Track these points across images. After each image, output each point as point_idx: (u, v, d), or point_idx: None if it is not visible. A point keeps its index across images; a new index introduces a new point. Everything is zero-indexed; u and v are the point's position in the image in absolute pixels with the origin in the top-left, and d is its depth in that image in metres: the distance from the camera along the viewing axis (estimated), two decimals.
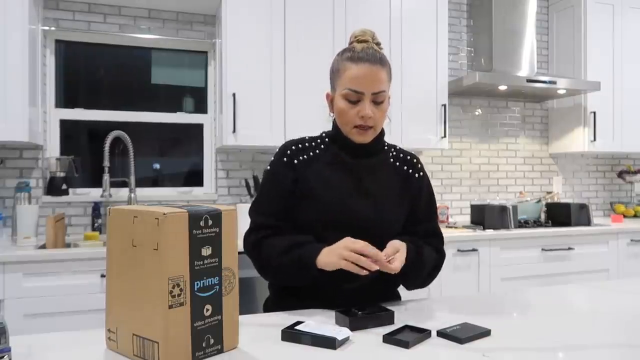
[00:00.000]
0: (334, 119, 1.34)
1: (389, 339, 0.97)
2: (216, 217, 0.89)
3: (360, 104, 1.24)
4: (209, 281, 0.88)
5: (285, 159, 1.31)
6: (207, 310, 0.87)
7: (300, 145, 1.34)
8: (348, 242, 1.16)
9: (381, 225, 1.29)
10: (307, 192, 1.29)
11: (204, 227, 0.87)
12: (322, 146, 1.35)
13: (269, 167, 1.34)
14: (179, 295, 0.83)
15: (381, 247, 1.29)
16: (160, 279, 0.81)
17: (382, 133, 1.35)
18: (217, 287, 0.89)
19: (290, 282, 1.27)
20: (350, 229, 1.26)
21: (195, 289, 0.86)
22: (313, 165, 1.31)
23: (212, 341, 0.88)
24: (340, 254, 1.14)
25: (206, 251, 0.87)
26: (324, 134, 1.38)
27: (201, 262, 0.86)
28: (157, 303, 0.82)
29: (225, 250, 0.91)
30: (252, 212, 1.34)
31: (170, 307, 0.82)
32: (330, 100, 1.33)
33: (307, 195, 1.29)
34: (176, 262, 0.83)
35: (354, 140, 1.30)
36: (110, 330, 0.91)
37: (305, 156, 1.32)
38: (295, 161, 1.31)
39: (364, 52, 1.24)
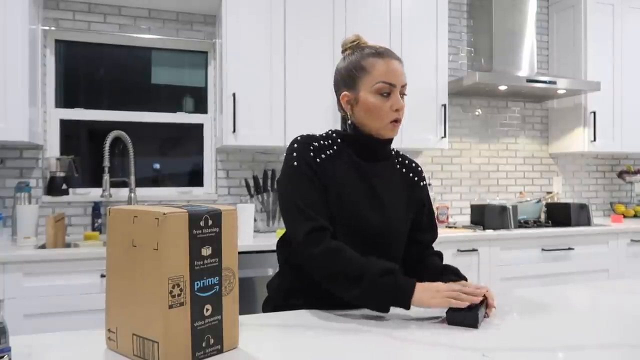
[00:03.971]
0: (351, 120, 1.30)
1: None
2: (216, 217, 0.88)
3: (392, 97, 1.25)
4: (209, 281, 0.87)
5: (312, 154, 1.25)
6: (207, 310, 0.87)
7: (316, 143, 1.28)
8: (445, 285, 1.12)
9: (389, 233, 1.29)
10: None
11: (204, 227, 0.87)
12: (335, 147, 1.30)
13: (296, 164, 1.24)
14: (178, 295, 0.83)
15: (388, 253, 1.28)
16: (160, 279, 0.81)
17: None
18: (217, 287, 0.89)
19: (363, 303, 1.16)
20: (359, 234, 1.25)
21: (195, 289, 0.85)
22: (332, 164, 1.27)
23: (212, 341, 0.88)
24: (444, 294, 1.09)
25: (206, 251, 0.87)
26: (333, 134, 1.33)
27: (201, 262, 0.86)
28: (157, 303, 0.82)
29: (225, 250, 0.90)
30: (306, 213, 1.20)
31: (170, 307, 0.81)
32: (347, 101, 1.29)
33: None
34: (176, 262, 0.82)
35: (386, 136, 1.28)
36: (110, 330, 0.91)
37: (322, 155, 1.27)
38: (318, 160, 1.25)
39: (384, 48, 1.28)
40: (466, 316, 1.05)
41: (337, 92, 1.33)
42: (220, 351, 0.89)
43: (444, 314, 1.09)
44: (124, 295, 0.89)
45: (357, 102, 1.27)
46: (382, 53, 1.26)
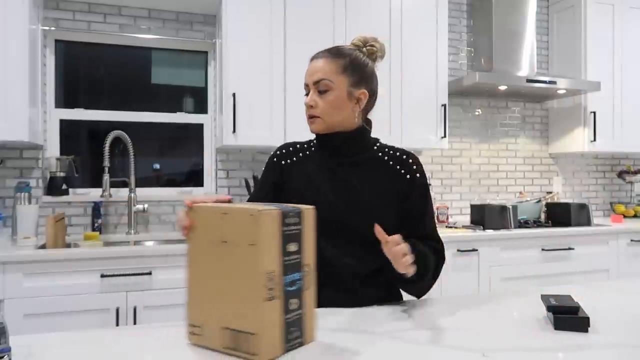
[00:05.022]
0: None
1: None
2: (300, 215, 0.93)
3: (308, 95, 1.33)
4: (294, 276, 0.92)
5: (275, 159, 1.39)
6: (293, 304, 0.91)
7: (291, 148, 1.40)
8: None
9: (364, 222, 1.26)
10: (293, 194, 1.32)
11: (290, 224, 0.91)
12: (313, 149, 1.38)
13: (263, 169, 1.44)
14: (271, 289, 0.86)
15: (355, 238, 1.28)
16: (256, 273, 0.85)
17: (360, 131, 1.33)
18: (300, 282, 0.93)
19: None
20: (332, 227, 1.27)
21: (284, 284, 0.89)
22: (299, 166, 1.35)
23: (296, 334, 0.92)
24: None
25: (292, 247, 0.91)
26: (314, 138, 1.42)
27: (289, 258, 0.90)
28: (253, 297, 0.85)
29: (306, 247, 0.94)
30: None
31: (266, 300, 0.85)
32: None
33: (293, 197, 1.32)
34: (270, 258, 0.86)
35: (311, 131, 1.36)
36: (194, 325, 0.94)
37: (294, 158, 1.38)
38: (283, 162, 1.37)
39: (323, 50, 1.35)
40: (577, 322, 1.03)
41: None
42: (302, 344, 0.94)
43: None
44: (212, 290, 0.91)
45: None
46: (313, 56, 1.34)
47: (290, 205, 0.94)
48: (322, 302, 1.22)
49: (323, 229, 1.25)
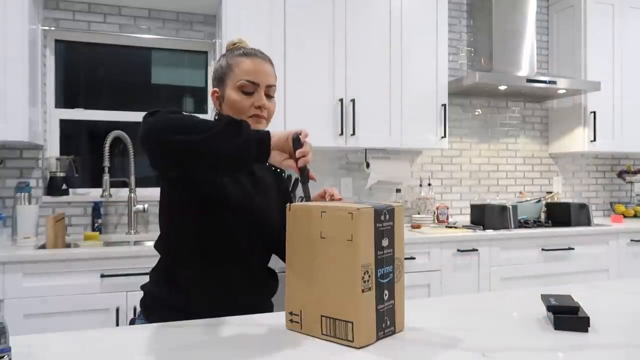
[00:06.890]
0: (219, 117, 1.35)
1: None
2: (391, 212, 1.00)
3: (256, 95, 1.30)
4: (386, 269, 0.98)
5: None
6: (386, 295, 0.98)
7: None
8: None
9: (269, 216, 1.35)
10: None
11: (384, 220, 0.97)
12: None
13: None
14: (367, 281, 0.93)
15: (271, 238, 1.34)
16: (354, 266, 0.92)
17: None
18: (392, 274, 1.00)
19: (214, 148, 1.03)
20: (248, 218, 1.31)
21: (378, 276, 0.96)
22: None
23: (388, 323, 0.99)
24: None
25: (385, 242, 0.98)
26: None
27: (382, 252, 0.97)
28: (351, 288, 0.92)
29: (397, 242, 1.01)
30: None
31: (362, 291, 0.92)
32: (217, 97, 1.36)
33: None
34: (366, 252, 0.93)
35: None
36: (293, 313, 1.01)
37: None
38: None
39: (254, 50, 1.34)
40: (577, 322, 1.03)
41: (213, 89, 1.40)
42: (393, 332, 1.00)
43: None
44: (311, 281, 0.98)
45: (223, 98, 1.34)
46: (249, 53, 1.32)
47: (383, 203, 1.00)
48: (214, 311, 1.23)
49: (236, 217, 1.29)
